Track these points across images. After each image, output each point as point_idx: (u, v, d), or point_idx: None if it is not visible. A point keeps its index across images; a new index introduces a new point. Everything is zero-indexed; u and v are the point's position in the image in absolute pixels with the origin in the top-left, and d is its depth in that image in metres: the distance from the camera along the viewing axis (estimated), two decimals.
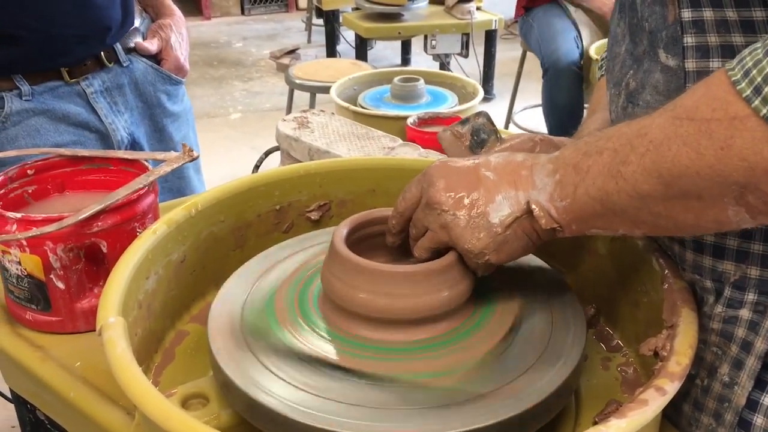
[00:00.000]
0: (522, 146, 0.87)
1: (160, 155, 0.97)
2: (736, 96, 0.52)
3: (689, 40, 0.64)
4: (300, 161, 1.26)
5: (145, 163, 0.97)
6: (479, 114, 0.89)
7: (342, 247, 0.72)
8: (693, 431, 0.72)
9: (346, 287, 0.70)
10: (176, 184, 1.52)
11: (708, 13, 0.63)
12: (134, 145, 1.44)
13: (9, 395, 1.06)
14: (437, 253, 0.72)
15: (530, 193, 0.66)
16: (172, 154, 0.97)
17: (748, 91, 0.52)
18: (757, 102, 0.51)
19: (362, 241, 0.78)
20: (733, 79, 0.53)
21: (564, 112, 3.28)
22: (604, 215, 0.62)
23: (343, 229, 0.75)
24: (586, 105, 3.26)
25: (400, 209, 0.75)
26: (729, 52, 0.62)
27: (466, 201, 0.68)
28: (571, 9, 3.27)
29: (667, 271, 0.72)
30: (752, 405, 0.68)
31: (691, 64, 0.65)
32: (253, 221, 0.92)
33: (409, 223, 0.75)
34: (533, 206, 0.65)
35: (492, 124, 0.89)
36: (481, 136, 0.87)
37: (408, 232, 0.76)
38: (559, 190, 0.64)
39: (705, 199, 0.56)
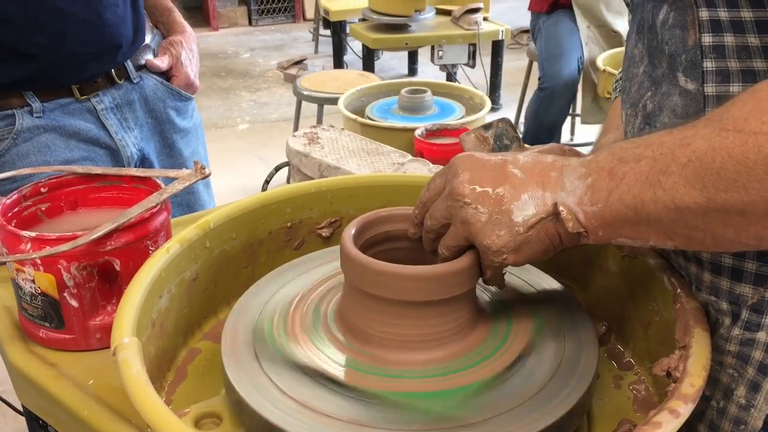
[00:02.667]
0: (550, 153, 0.86)
1: (172, 173, 0.98)
2: None
3: (709, 64, 0.64)
4: (310, 177, 1.27)
5: (158, 181, 0.98)
6: (502, 120, 0.89)
7: (350, 246, 0.72)
8: None
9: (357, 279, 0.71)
10: (186, 199, 1.52)
11: (729, 39, 0.63)
12: (144, 160, 1.45)
13: (20, 408, 1.07)
14: (457, 252, 0.71)
15: (558, 195, 0.64)
16: (184, 171, 0.97)
17: None
18: None
19: (372, 240, 0.78)
20: None
21: (545, 128, 3.33)
22: (637, 224, 0.61)
23: (351, 229, 0.75)
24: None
25: (424, 199, 0.74)
26: (750, 77, 0.62)
27: (490, 196, 0.66)
28: (583, 24, 3.26)
29: (679, 290, 0.72)
30: None
31: (710, 89, 0.65)
32: (264, 239, 0.93)
33: None
34: (561, 208, 0.63)
35: (514, 130, 0.89)
36: (504, 142, 0.86)
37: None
38: (591, 194, 0.62)
39: (748, 215, 0.54)
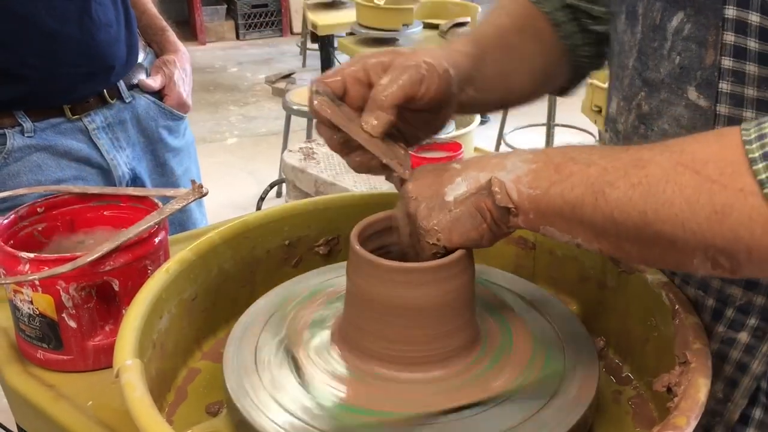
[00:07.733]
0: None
1: (169, 192, 0.98)
2: (749, 170, 0.52)
3: (725, 86, 0.63)
4: (307, 192, 1.28)
5: (155, 200, 0.98)
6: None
7: (355, 245, 0.73)
8: None
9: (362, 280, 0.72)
10: (178, 217, 1.51)
11: (752, 68, 0.61)
12: (136, 180, 1.45)
13: (15, 430, 1.06)
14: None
15: (495, 173, 0.64)
16: (182, 190, 0.97)
17: (763, 176, 0.51)
18: None
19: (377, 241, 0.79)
20: (750, 156, 0.52)
21: None
22: (570, 220, 0.61)
23: (355, 229, 0.76)
24: None
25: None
26: (765, 107, 0.61)
27: (428, 186, 0.67)
28: None
29: (677, 306, 0.72)
30: (744, 419, 0.69)
31: (723, 109, 0.64)
32: (262, 257, 0.93)
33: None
34: (493, 182, 0.63)
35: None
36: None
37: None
38: (532, 178, 0.63)
39: (677, 246, 0.56)
